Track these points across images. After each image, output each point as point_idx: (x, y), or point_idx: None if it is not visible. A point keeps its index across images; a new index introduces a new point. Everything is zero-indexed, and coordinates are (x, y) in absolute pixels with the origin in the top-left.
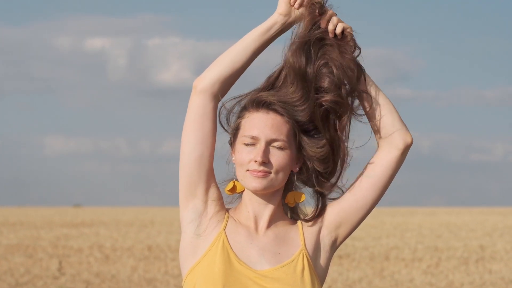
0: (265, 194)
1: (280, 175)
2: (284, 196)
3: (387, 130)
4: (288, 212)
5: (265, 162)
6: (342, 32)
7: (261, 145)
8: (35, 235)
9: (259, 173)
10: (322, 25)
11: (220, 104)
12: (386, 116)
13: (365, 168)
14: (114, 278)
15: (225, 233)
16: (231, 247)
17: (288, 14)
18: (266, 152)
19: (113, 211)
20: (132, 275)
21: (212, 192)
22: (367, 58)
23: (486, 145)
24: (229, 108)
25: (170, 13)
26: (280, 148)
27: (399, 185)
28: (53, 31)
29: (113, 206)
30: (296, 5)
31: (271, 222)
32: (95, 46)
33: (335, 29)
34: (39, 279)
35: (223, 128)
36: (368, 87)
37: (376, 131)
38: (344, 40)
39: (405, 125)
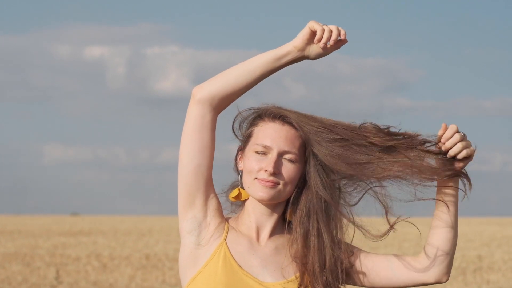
0: (269, 205)
1: (289, 187)
2: (285, 209)
3: (435, 258)
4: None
5: (276, 173)
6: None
7: (273, 156)
8: (33, 244)
9: (267, 183)
10: (443, 146)
11: (235, 112)
12: (443, 248)
13: (395, 258)
14: (112, 287)
15: (226, 244)
16: (233, 258)
17: (302, 49)
18: (278, 163)
19: (111, 219)
20: (129, 284)
21: (212, 202)
22: (367, 67)
23: (484, 155)
24: (245, 116)
25: (169, 23)
26: (291, 161)
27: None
28: (52, 39)
29: (111, 214)
30: (321, 44)
31: (273, 233)
32: (94, 54)
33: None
34: None
35: (234, 135)
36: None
37: (426, 248)
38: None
39: (451, 267)
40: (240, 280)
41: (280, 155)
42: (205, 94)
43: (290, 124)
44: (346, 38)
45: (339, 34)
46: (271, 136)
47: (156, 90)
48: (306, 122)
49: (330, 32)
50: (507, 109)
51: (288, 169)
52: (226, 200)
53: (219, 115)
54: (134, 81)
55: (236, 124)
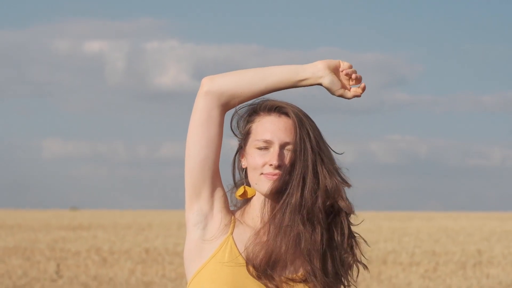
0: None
1: None
2: None
3: None
4: None
5: (281, 165)
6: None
7: (275, 149)
8: (33, 238)
9: (274, 176)
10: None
11: (233, 110)
12: None
13: None
14: (112, 281)
15: (233, 238)
16: (239, 252)
17: (322, 70)
18: (281, 155)
19: (111, 214)
20: (129, 278)
21: (218, 195)
22: (366, 63)
23: (483, 150)
24: (241, 113)
25: (169, 17)
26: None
27: (397, 190)
28: (51, 34)
29: (110, 209)
30: (344, 72)
31: None
32: (93, 49)
33: None
34: (36, 282)
35: (234, 134)
36: None
37: None
38: None
39: None
40: (247, 274)
41: (282, 147)
42: (214, 87)
43: (286, 114)
44: (362, 94)
45: (360, 81)
46: (270, 129)
47: (155, 85)
48: (304, 121)
49: (355, 71)
50: (506, 104)
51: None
52: (231, 198)
53: None
54: (133, 76)
55: (234, 123)
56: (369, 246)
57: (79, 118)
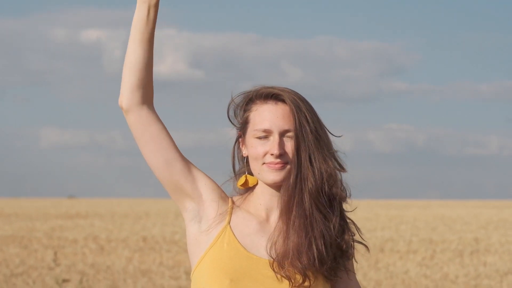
0: (278, 187)
1: None
2: None
3: None
4: None
5: (282, 154)
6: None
7: (275, 138)
8: (30, 226)
9: (276, 165)
10: None
11: (228, 100)
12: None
13: None
14: (109, 269)
15: (230, 227)
16: (239, 241)
17: None
18: (281, 144)
19: (108, 202)
20: (127, 266)
21: (202, 185)
22: (363, 51)
23: (481, 139)
24: (237, 102)
25: (165, 5)
26: (293, 138)
27: (394, 179)
28: (49, 23)
29: (108, 197)
30: None
31: None
32: (91, 38)
33: None
34: (34, 270)
35: (232, 123)
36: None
37: None
38: None
39: None
40: (247, 262)
41: (282, 135)
42: (126, 99)
43: (283, 101)
44: None
45: None
46: (268, 118)
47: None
48: (301, 106)
49: None
50: (503, 93)
51: (293, 147)
52: (233, 189)
53: (215, 100)
54: None
55: (231, 112)
56: (361, 233)
57: (77, 107)
